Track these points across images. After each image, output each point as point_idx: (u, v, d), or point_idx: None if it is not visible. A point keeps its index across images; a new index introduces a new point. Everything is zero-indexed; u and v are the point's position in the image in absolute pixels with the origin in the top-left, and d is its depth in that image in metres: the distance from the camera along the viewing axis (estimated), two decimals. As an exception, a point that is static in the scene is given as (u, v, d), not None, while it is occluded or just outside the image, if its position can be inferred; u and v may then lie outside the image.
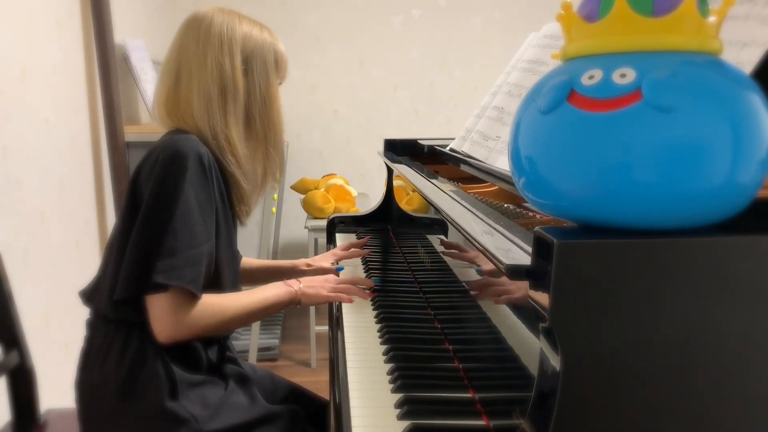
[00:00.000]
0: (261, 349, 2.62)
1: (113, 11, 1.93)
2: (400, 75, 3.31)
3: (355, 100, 3.30)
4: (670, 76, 0.47)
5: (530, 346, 0.63)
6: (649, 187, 0.46)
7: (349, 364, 0.92)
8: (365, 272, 1.41)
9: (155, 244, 0.92)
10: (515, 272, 0.54)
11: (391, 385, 0.85)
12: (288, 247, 3.38)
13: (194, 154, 0.96)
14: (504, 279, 0.73)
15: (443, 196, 0.98)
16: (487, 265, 0.82)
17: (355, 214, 1.80)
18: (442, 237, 1.18)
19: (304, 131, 3.29)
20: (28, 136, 1.47)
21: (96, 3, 1.85)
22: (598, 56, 0.51)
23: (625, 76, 0.48)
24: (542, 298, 0.49)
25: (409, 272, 1.32)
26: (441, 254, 1.15)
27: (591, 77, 0.50)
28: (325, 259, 1.40)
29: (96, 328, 1.04)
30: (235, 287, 1.13)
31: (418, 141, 1.67)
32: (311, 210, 2.60)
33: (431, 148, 1.53)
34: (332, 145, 3.32)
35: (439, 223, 1.22)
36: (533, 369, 0.56)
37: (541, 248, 0.50)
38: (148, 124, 2.34)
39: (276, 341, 2.73)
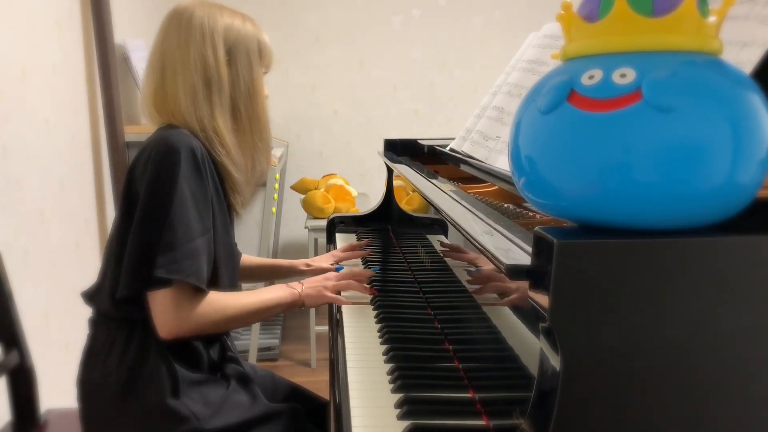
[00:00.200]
0: (261, 349, 2.62)
1: (113, 11, 1.93)
2: (400, 75, 3.31)
3: (355, 100, 3.30)
4: (670, 76, 0.47)
5: (530, 346, 0.63)
6: (649, 187, 0.46)
7: (349, 364, 0.92)
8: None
9: (154, 240, 0.93)
10: (515, 272, 0.54)
11: (391, 385, 0.85)
12: (288, 247, 3.38)
13: (186, 148, 0.96)
14: (503, 277, 0.73)
15: (443, 196, 0.98)
16: (488, 266, 0.82)
17: (355, 214, 1.80)
18: (442, 237, 1.18)
19: (304, 131, 3.29)
20: (28, 136, 1.47)
21: (96, 3, 1.85)
22: (598, 56, 0.51)
23: (625, 76, 0.48)
24: (542, 298, 0.49)
25: (409, 272, 1.32)
26: (441, 254, 1.15)
27: (591, 77, 0.50)
28: (324, 260, 1.40)
29: (98, 326, 1.04)
30: (234, 284, 1.13)
31: (418, 141, 1.67)
32: (311, 210, 2.60)
33: (431, 148, 1.53)
34: (332, 145, 3.32)
35: (439, 223, 1.22)
36: (533, 369, 0.56)
37: (541, 248, 0.50)
38: (148, 124, 2.34)
39: (276, 341, 2.73)
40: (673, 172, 0.46)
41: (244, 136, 1.08)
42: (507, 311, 0.74)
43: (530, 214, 0.92)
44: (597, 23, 0.51)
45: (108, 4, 1.89)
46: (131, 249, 0.95)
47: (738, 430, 0.52)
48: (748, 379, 0.51)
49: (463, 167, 1.18)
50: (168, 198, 0.93)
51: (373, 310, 1.15)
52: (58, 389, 1.48)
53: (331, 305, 1.24)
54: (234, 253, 1.16)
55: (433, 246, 1.23)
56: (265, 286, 1.16)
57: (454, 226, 0.79)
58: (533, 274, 0.52)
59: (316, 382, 2.36)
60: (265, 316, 1.09)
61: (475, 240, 0.67)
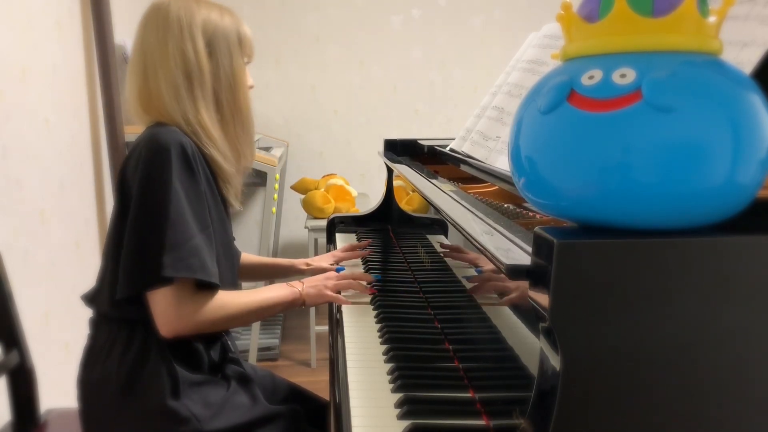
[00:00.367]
0: (261, 349, 2.62)
1: (113, 11, 1.93)
2: (400, 75, 3.31)
3: (355, 100, 3.30)
4: (670, 76, 0.47)
5: (530, 346, 0.63)
6: (649, 187, 0.46)
7: (349, 364, 0.92)
8: (365, 271, 1.41)
9: (153, 240, 0.92)
10: (515, 272, 0.54)
11: (391, 385, 0.85)
12: (288, 247, 3.38)
13: (176, 145, 0.95)
14: (503, 276, 0.73)
15: (443, 196, 0.98)
16: (488, 266, 0.82)
17: (355, 214, 1.80)
18: (442, 237, 1.18)
19: (304, 131, 3.29)
20: (28, 136, 1.47)
21: (96, 3, 1.85)
22: (598, 56, 0.51)
23: (625, 76, 0.48)
24: (542, 298, 0.49)
25: (409, 272, 1.32)
26: (441, 254, 1.15)
27: (591, 77, 0.50)
28: (324, 260, 1.40)
29: (99, 326, 1.04)
30: (234, 281, 1.13)
31: (418, 141, 1.67)
32: (311, 210, 2.60)
33: (431, 148, 1.53)
34: (332, 145, 3.32)
35: (439, 223, 1.22)
36: (533, 369, 0.56)
37: (541, 248, 0.50)
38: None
39: (276, 341, 2.73)
40: (673, 172, 0.46)
41: (228, 128, 1.07)
42: (507, 311, 0.74)
43: (530, 214, 0.92)
44: (597, 23, 0.51)
45: (108, 4, 1.89)
46: (128, 249, 0.95)
47: (738, 429, 0.52)
48: (748, 379, 0.51)
49: (463, 167, 1.18)
50: (163, 197, 0.93)
51: (373, 310, 1.15)
52: (58, 389, 1.48)
53: (331, 305, 1.24)
54: (232, 249, 1.16)
55: (433, 246, 1.23)
56: (266, 285, 1.16)
57: (454, 226, 0.79)
58: (533, 274, 0.52)
59: (316, 382, 2.36)
60: (266, 314, 1.09)
61: (475, 240, 0.67)
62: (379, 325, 1.07)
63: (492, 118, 1.17)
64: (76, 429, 1.04)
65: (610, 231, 0.50)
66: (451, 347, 0.95)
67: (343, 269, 1.35)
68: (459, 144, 1.24)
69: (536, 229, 0.51)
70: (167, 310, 0.95)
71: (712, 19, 0.50)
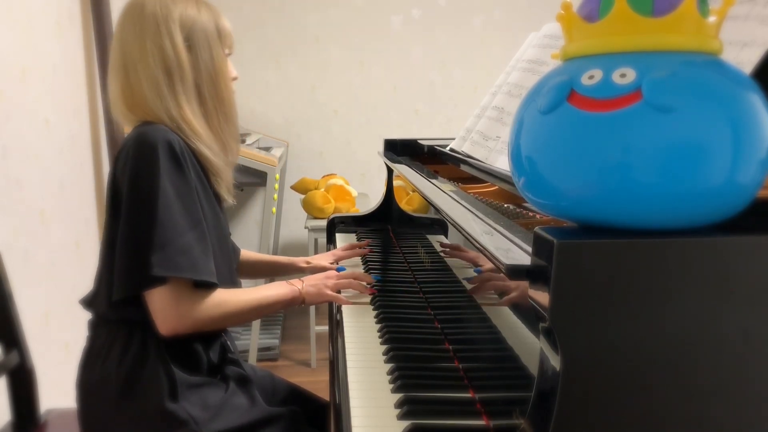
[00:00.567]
0: (261, 349, 2.62)
1: (113, 11, 1.93)
2: (400, 75, 3.31)
3: (355, 100, 3.30)
4: (670, 76, 0.47)
5: (530, 346, 0.63)
6: (649, 187, 0.46)
7: (349, 364, 0.92)
8: (365, 272, 1.41)
9: (143, 240, 0.92)
10: (515, 272, 0.54)
11: (391, 385, 0.85)
12: (288, 247, 3.38)
13: (164, 143, 0.95)
14: (503, 276, 0.73)
15: (443, 196, 0.98)
16: (488, 265, 0.82)
17: (355, 214, 1.80)
18: (442, 237, 1.18)
19: (304, 131, 3.29)
20: (28, 136, 1.47)
21: (96, 3, 1.86)
22: (598, 56, 0.51)
23: (625, 76, 0.48)
24: (542, 298, 0.49)
25: (409, 272, 1.32)
26: (441, 254, 1.15)
27: (591, 77, 0.50)
28: (324, 259, 1.40)
29: (97, 328, 1.04)
30: (232, 277, 1.13)
31: (418, 141, 1.67)
32: (311, 210, 2.60)
33: (431, 148, 1.53)
34: (332, 145, 3.32)
35: (439, 223, 1.22)
36: (533, 369, 0.56)
37: (541, 248, 0.50)
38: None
39: (276, 341, 2.73)
40: (673, 172, 0.46)
41: (212, 121, 1.07)
42: (507, 311, 0.74)
43: (530, 214, 0.92)
44: (597, 23, 0.51)
45: (108, 4, 1.89)
46: (121, 250, 0.95)
47: (738, 429, 0.52)
48: (748, 379, 0.51)
49: (463, 167, 1.18)
50: (151, 195, 0.93)
51: (373, 310, 1.15)
52: (58, 389, 1.48)
53: (331, 305, 1.24)
54: (228, 244, 1.15)
55: (433, 246, 1.23)
56: (266, 283, 1.16)
57: (454, 226, 0.79)
58: (533, 274, 0.52)
59: (316, 382, 2.36)
60: (266, 312, 1.09)
61: (475, 240, 0.67)
62: (379, 326, 1.07)
63: (492, 118, 1.17)
64: (75, 429, 1.04)
65: (610, 231, 0.50)
66: (451, 347, 0.95)
67: (344, 269, 1.35)
68: (459, 144, 1.24)
69: (536, 229, 0.51)
70: (165, 309, 0.94)
71: (712, 19, 0.50)
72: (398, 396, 0.81)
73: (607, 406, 0.50)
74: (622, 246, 0.48)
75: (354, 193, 2.71)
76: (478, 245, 0.65)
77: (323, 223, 2.19)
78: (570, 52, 0.54)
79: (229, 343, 1.15)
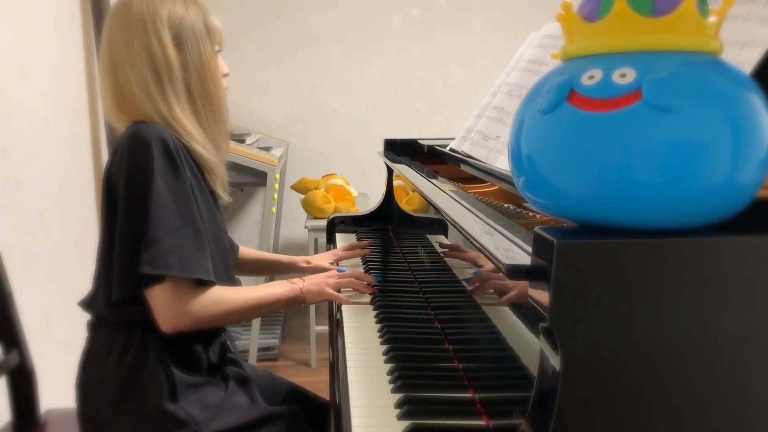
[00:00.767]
0: (261, 349, 2.62)
1: (113, 11, 1.93)
2: (400, 75, 3.31)
3: (355, 100, 3.30)
4: (670, 76, 0.47)
5: (530, 346, 0.63)
6: (649, 187, 0.46)
7: (349, 364, 0.92)
8: (365, 272, 1.41)
9: (138, 239, 0.92)
10: (515, 272, 0.54)
11: (391, 385, 0.85)
12: (288, 247, 3.38)
13: (158, 141, 0.95)
14: (502, 276, 0.73)
15: (443, 196, 0.98)
16: (488, 265, 0.82)
17: (355, 214, 1.80)
18: (442, 237, 1.18)
19: (304, 131, 3.29)
20: (28, 136, 1.47)
21: (96, 3, 1.86)
22: (598, 56, 0.51)
23: (625, 76, 0.48)
24: (542, 297, 0.49)
25: (409, 272, 1.32)
26: (441, 254, 1.15)
27: (591, 77, 0.50)
28: (324, 258, 1.40)
29: (97, 329, 1.04)
30: (229, 274, 1.12)
31: (418, 141, 1.67)
32: (311, 210, 2.60)
33: (431, 148, 1.53)
34: (332, 145, 3.32)
35: (439, 223, 1.22)
36: (533, 369, 0.56)
37: (541, 248, 0.50)
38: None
39: (276, 341, 2.73)
40: (673, 172, 0.46)
41: (202, 119, 1.07)
42: (507, 311, 0.74)
43: (530, 214, 0.92)
44: (597, 23, 0.51)
45: (108, 4, 1.89)
46: (118, 249, 0.95)
47: (738, 429, 0.52)
48: (748, 379, 0.51)
49: (463, 167, 1.18)
50: (145, 194, 0.93)
51: (373, 310, 1.15)
52: (58, 389, 1.48)
53: (331, 305, 1.24)
54: (225, 242, 1.15)
55: (433, 246, 1.23)
56: (265, 281, 1.16)
57: (454, 226, 0.79)
58: (533, 274, 0.52)
59: (316, 382, 2.36)
60: (266, 310, 1.09)
61: (475, 240, 0.67)
62: (379, 325, 1.07)
63: (492, 118, 1.17)
64: (75, 429, 1.04)
65: (610, 231, 0.50)
66: (451, 347, 0.95)
67: (344, 270, 1.35)
68: (459, 144, 1.25)
69: (536, 229, 0.51)
70: (165, 307, 0.94)
71: (712, 19, 0.50)
72: (398, 396, 0.81)
73: (607, 406, 0.50)
74: (622, 246, 0.48)
75: (354, 193, 2.71)
76: (478, 245, 0.65)
77: (323, 223, 2.19)
78: (570, 52, 0.54)
79: (228, 343, 1.15)
